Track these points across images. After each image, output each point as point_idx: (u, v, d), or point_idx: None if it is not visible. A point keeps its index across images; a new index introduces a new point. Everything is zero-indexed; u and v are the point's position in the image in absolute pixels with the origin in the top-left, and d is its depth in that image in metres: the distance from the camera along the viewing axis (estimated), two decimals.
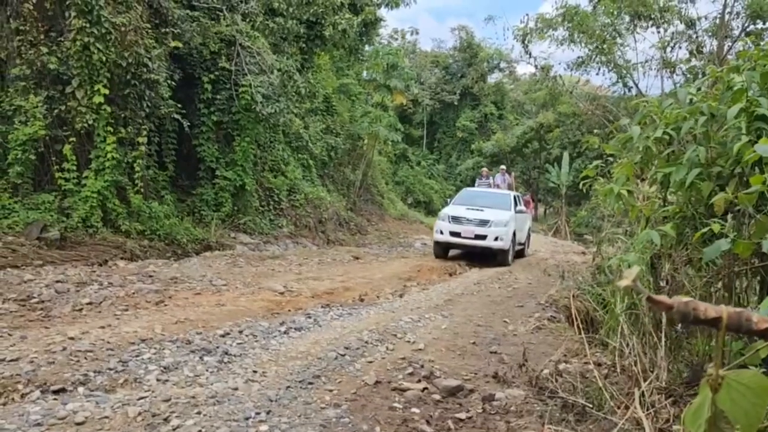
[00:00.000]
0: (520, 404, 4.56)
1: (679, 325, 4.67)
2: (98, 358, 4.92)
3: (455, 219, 14.02)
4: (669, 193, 4.69)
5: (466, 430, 4.12)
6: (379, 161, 27.86)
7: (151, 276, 8.96)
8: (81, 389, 4.30)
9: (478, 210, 14.25)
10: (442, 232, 14.12)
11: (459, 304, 8.57)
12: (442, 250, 14.70)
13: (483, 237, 13.56)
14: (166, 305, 7.33)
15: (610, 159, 5.72)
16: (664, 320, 4.18)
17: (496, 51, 41.05)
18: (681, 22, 12.69)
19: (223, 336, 5.95)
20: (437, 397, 4.60)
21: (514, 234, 14.33)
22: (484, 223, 13.71)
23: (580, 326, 5.95)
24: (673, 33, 12.87)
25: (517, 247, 15.40)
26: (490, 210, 14.24)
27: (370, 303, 8.67)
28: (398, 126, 25.89)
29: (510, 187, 18.99)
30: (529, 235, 17.35)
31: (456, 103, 40.14)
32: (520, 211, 15.21)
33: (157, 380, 4.59)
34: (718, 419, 0.88)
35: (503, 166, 20.73)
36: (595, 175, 4.83)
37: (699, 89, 4.67)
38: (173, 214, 12.72)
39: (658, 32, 12.82)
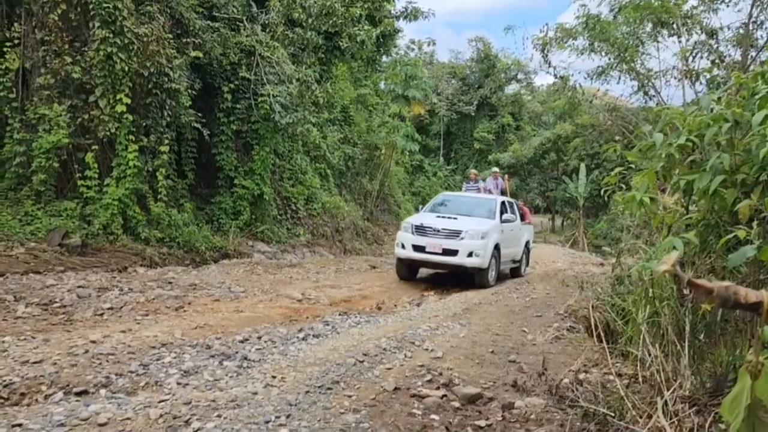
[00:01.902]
0: (540, 413, 4.52)
1: (703, 335, 4.61)
2: (120, 362, 4.98)
3: (419, 229, 11.36)
4: (692, 201, 4.65)
5: None
6: (395, 171, 27.93)
7: (170, 282, 9.05)
8: (103, 391, 4.35)
9: (449, 218, 11.72)
10: (403, 246, 11.39)
11: (477, 313, 8.52)
12: (406, 269, 11.91)
13: (453, 252, 10.89)
14: (185, 311, 7.40)
15: (632, 168, 5.69)
16: (687, 329, 4.13)
17: (514, 61, 41.03)
18: (703, 32, 12.57)
19: (242, 341, 5.98)
20: (456, 404, 4.57)
21: (498, 248, 11.61)
22: (454, 234, 11.05)
23: (601, 336, 5.89)
24: (695, 42, 12.76)
25: (510, 265, 13.29)
26: (466, 218, 11.73)
27: (387, 311, 8.67)
28: (415, 136, 25.93)
29: (504, 193, 16.24)
30: (527, 250, 14.49)
31: (473, 114, 40.12)
32: (507, 221, 12.35)
33: (178, 384, 4.63)
34: (757, 408, 0.87)
35: (496, 169, 18.10)
36: (616, 182, 4.79)
37: (719, 98, 4.63)
38: (192, 222, 12.84)
39: (679, 41, 12.74)
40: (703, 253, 4.29)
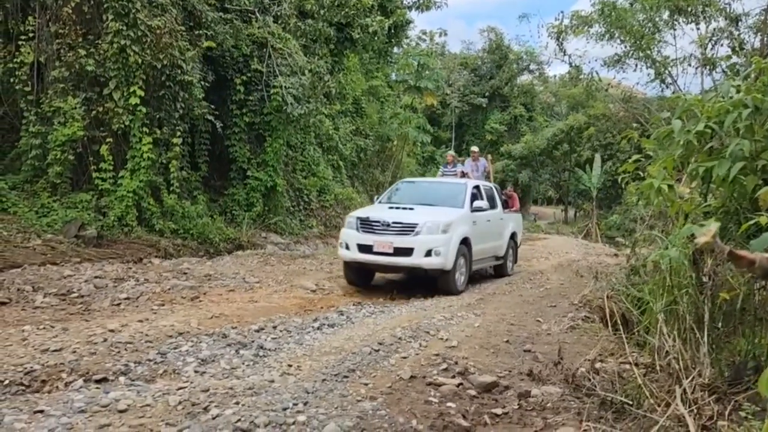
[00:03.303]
0: (557, 401, 4.51)
1: (720, 324, 4.57)
2: (138, 350, 5.03)
3: (366, 224, 9.26)
4: (710, 189, 4.61)
5: (502, 425, 4.09)
6: (407, 163, 27.87)
7: (185, 273, 9.12)
8: (122, 379, 4.41)
9: (404, 209, 9.70)
10: (347, 247, 9.32)
11: (491, 303, 8.51)
12: (356, 274, 9.72)
13: (407, 251, 8.89)
14: (201, 301, 7.46)
15: (647, 156, 5.64)
16: (706, 317, 4.10)
17: (527, 50, 40.71)
18: (725, 18, 12.32)
19: (257, 331, 6.02)
20: (472, 392, 4.57)
21: (468, 244, 9.61)
22: (408, 228, 9.02)
23: (618, 324, 5.87)
24: (714, 29, 12.54)
25: (492, 262, 11.42)
26: (425, 208, 9.74)
27: (401, 301, 8.67)
28: (427, 128, 25.88)
29: (487, 177, 14.03)
30: (514, 245, 12.39)
31: (485, 105, 39.92)
32: (479, 209, 10.25)
33: (195, 372, 4.67)
34: None
35: (475, 148, 15.16)
36: (633, 170, 4.75)
37: (739, 86, 4.57)
38: (206, 214, 12.92)
39: (698, 29, 12.55)
40: (723, 241, 4.25)
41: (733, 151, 3.96)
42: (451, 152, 15.75)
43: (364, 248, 9.06)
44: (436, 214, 9.44)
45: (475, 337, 6.35)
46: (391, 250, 8.95)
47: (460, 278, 9.50)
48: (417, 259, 8.91)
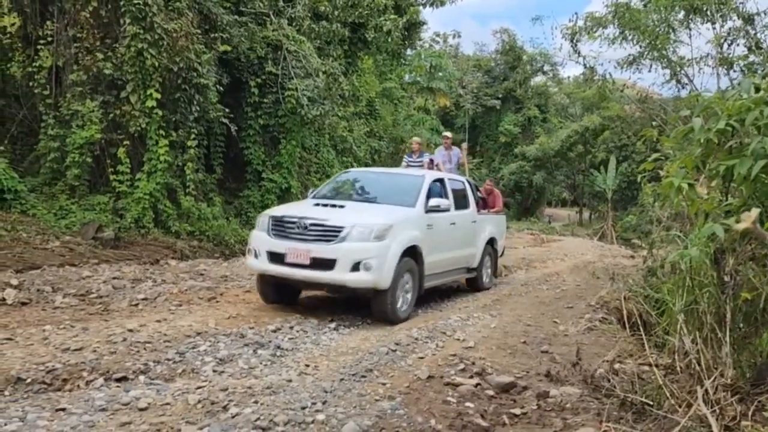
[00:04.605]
0: (576, 402, 4.49)
1: (741, 323, 4.51)
2: (157, 349, 5.07)
3: (279, 226, 7.16)
4: (731, 187, 4.55)
5: (521, 426, 4.08)
6: None
7: (201, 274, 9.19)
8: (142, 378, 4.45)
9: (332, 207, 7.59)
10: (256, 254, 7.21)
11: (507, 304, 8.49)
12: (271, 288, 7.45)
13: (328, 264, 6.68)
14: (217, 301, 7.50)
15: (665, 158, 5.59)
16: (728, 316, 4.05)
17: (540, 52, 40.50)
18: (739, 18, 12.15)
19: (274, 331, 6.05)
20: (490, 392, 4.57)
21: (417, 254, 7.37)
22: (330, 234, 6.83)
23: (637, 325, 5.82)
24: (729, 29, 12.36)
25: (464, 275, 9.51)
26: (360, 207, 7.78)
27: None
28: (440, 129, 25.83)
29: (460, 169, 12.15)
30: (493, 252, 10.28)
31: (498, 107, 39.78)
32: (436, 209, 7.98)
33: (214, 371, 4.71)
34: None
35: (447, 134, 13.06)
36: (652, 169, 4.71)
37: (759, 84, 4.52)
38: (221, 216, 12.97)
39: (713, 28, 12.38)
40: (744, 240, 4.20)
41: (755, 149, 3.91)
42: (417, 138, 13.20)
43: (276, 257, 6.94)
44: (370, 215, 7.30)
45: (491, 337, 6.33)
46: (307, 261, 6.74)
47: (404, 301, 7.23)
48: (340, 275, 6.66)
